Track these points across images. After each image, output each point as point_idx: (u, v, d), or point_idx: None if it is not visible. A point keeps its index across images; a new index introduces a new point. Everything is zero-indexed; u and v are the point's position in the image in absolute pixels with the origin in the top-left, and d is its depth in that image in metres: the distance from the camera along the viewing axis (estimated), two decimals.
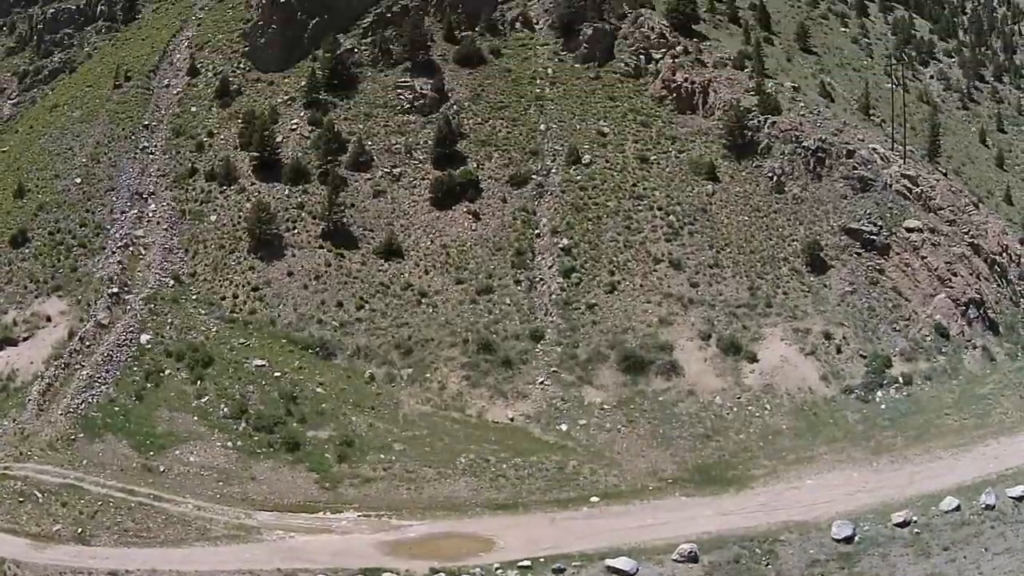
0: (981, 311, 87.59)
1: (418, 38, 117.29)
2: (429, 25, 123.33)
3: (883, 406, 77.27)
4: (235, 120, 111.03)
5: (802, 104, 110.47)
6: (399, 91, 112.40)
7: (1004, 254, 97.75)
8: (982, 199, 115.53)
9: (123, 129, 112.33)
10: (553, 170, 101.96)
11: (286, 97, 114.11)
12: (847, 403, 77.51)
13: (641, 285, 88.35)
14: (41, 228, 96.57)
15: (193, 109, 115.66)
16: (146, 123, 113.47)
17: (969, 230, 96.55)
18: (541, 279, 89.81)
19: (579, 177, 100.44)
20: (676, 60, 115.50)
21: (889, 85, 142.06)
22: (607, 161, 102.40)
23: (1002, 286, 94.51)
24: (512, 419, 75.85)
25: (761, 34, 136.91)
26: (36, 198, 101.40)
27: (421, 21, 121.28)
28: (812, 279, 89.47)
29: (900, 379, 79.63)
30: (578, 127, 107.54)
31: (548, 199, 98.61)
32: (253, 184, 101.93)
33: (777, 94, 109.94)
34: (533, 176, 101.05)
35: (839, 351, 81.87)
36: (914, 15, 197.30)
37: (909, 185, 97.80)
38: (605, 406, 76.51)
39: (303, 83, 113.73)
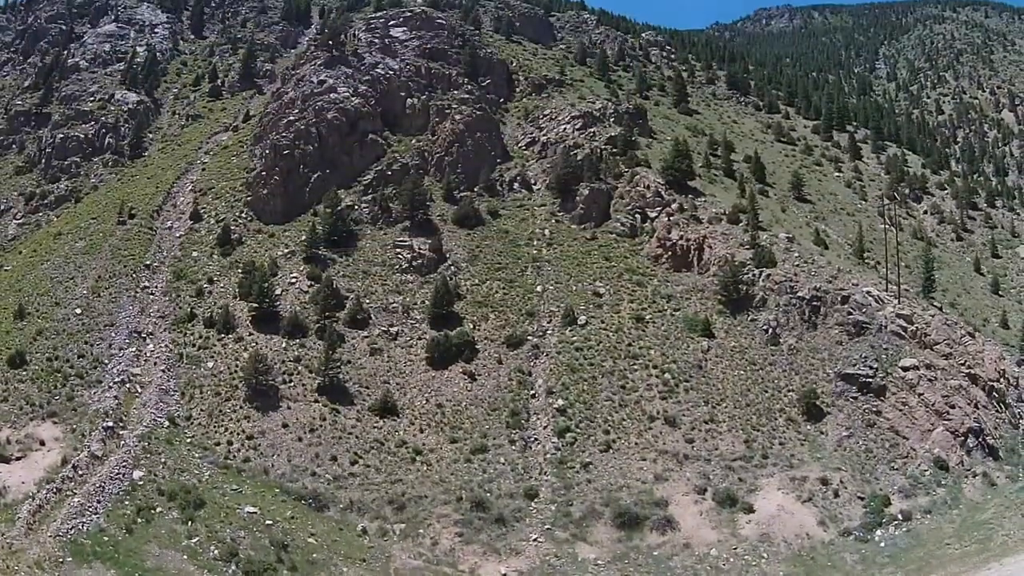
0: (980, 439, 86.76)
1: (417, 197, 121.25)
2: (428, 184, 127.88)
3: (882, 544, 75.96)
4: (235, 269, 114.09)
5: (796, 254, 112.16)
6: (398, 250, 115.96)
7: (1002, 379, 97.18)
8: (978, 328, 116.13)
9: (124, 266, 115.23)
10: (549, 331, 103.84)
11: (286, 250, 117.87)
12: (845, 545, 76.28)
13: (636, 443, 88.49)
14: (39, 353, 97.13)
15: (195, 254, 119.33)
16: (147, 263, 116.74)
17: (966, 360, 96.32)
18: (536, 439, 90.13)
19: (575, 338, 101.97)
20: (671, 218, 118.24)
21: (883, 226, 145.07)
22: (602, 322, 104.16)
23: (1001, 411, 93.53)
24: (505, 575, 75.33)
25: (756, 186, 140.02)
26: (36, 322, 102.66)
27: (420, 180, 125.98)
28: (808, 427, 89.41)
29: (899, 516, 78.48)
30: (574, 288, 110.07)
31: (544, 360, 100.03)
32: (251, 334, 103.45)
33: (772, 246, 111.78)
34: (529, 337, 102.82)
35: (836, 495, 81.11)
36: (907, 151, 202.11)
37: (904, 324, 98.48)
38: (599, 562, 75.67)
39: (303, 237, 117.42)
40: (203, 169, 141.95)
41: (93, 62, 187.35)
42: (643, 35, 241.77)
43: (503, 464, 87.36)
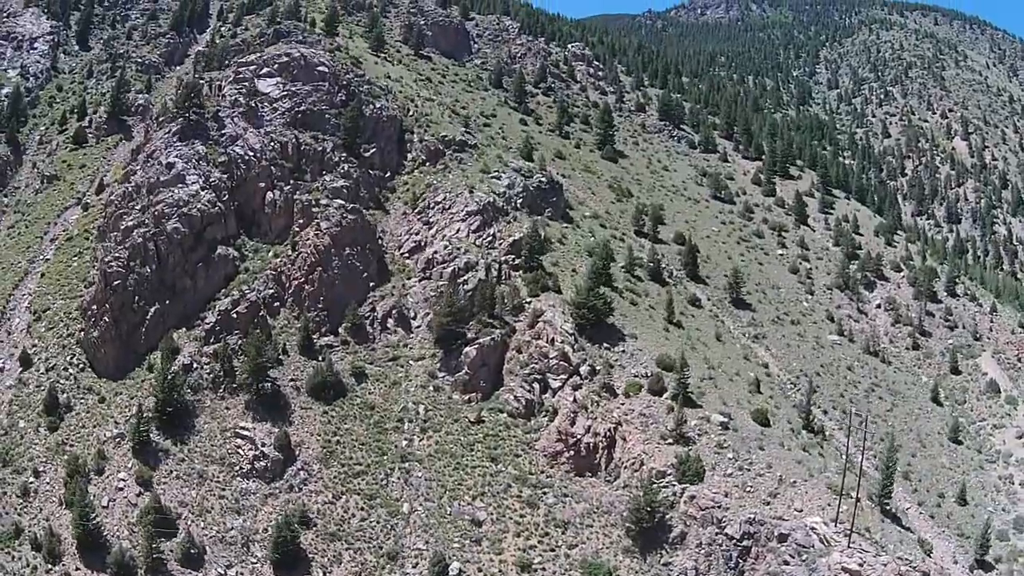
0: None
1: (261, 360, 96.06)
2: (281, 328, 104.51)
3: None
4: (61, 455, 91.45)
5: (730, 455, 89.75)
6: (238, 443, 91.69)
7: None
8: (933, 514, 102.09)
9: None
10: None
11: (115, 431, 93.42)
12: None
13: None
14: None
15: (21, 424, 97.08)
16: None
17: None
18: None
19: None
20: (577, 394, 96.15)
21: (832, 338, 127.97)
22: (480, 571, 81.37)
23: None
24: None
25: (688, 293, 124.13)
26: None
27: (266, 334, 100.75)
28: None
29: None
30: (448, 511, 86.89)
31: None
32: (78, 569, 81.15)
33: (700, 437, 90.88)
34: None
35: None
36: (857, 205, 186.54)
37: None
38: None
39: (133, 413, 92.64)
40: (42, 275, 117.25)
41: None
42: (569, 47, 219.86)
43: None
